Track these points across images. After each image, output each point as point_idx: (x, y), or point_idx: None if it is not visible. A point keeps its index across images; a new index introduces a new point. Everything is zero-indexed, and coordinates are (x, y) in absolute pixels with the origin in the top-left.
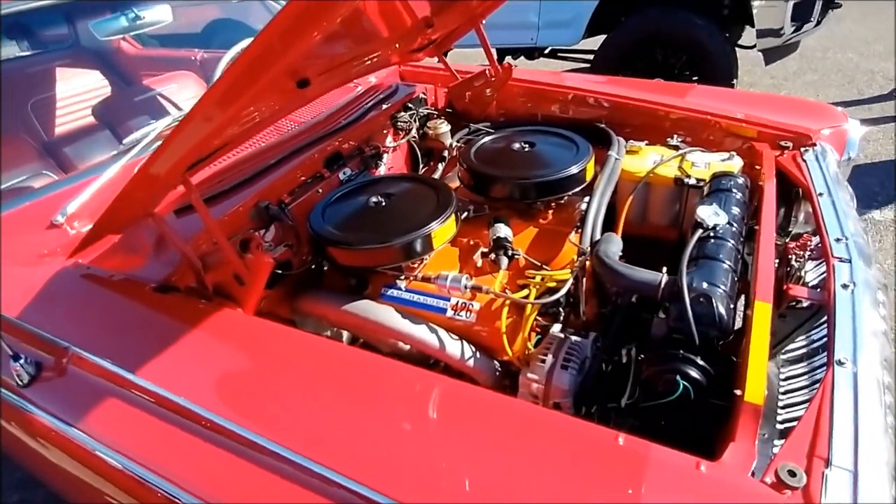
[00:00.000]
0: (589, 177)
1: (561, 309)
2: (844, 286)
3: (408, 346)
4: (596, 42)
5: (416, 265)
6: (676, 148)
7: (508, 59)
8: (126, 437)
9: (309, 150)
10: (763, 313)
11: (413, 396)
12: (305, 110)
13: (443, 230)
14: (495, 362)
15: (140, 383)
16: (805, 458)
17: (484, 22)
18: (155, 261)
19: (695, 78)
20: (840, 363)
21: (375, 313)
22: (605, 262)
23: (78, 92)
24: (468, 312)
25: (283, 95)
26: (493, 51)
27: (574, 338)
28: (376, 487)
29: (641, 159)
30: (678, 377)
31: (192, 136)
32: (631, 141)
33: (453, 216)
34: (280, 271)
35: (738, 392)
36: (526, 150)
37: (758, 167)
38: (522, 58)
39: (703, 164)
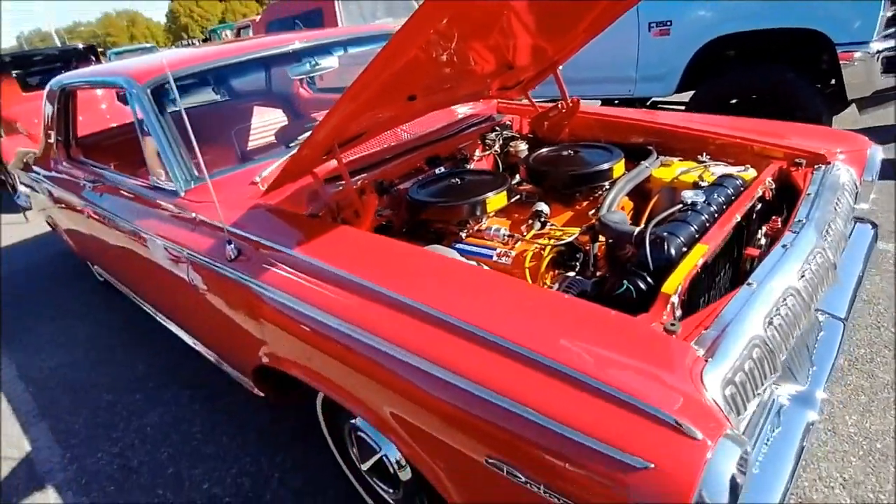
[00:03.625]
0: (616, 174)
1: (578, 264)
2: (784, 246)
3: None
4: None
5: (475, 225)
6: (703, 162)
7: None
8: (289, 290)
9: (416, 152)
10: (698, 250)
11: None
12: (419, 124)
13: (495, 200)
14: None
15: (298, 256)
16: (692, 325)
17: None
18: (308, 202)
19: None
20: (749, 284)
21: (445, 254)
22: (601, 220)
23: (269, 123)
24: (506, 258)
25: (397, 105)
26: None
27: (574, 275)
28: (468, 320)
29: (672, 170)
30: (625, 280)
31: (335, 118)
32: (668, 157)
33: (504, 192)
34: (385, 223)
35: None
36: (571, 155)
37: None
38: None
39: (720, 173)
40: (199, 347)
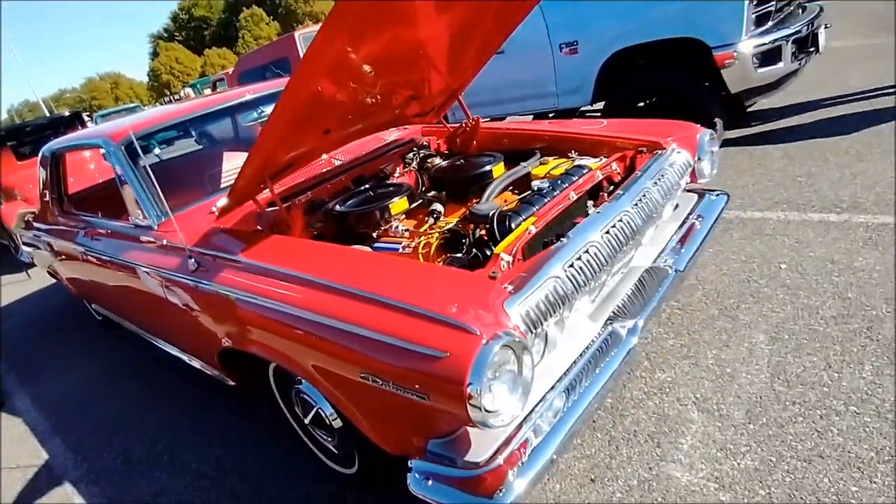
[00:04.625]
0: (496, 175)
1: (464, 246)
2: (598, 212)
3: None
4: None
5: (386, 226)
6: (572, 157)
7: (510, 117)
8: (235, 286)
9: (345, 174)
10: (528, 222)
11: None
12: (350, 150)
13: (396, 204)
14: None
15: (240, 260)
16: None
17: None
18: (255, 223)
19: None
20: (563, 238)
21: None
22: (469, 210)
23: (235, 164)
24: (408, 248)
25: (314, 138)
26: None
27: (456, 255)
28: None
29: (547, 167)
30: (474, 249)
31: (259, 153)
32: (546, 157)
33: (405, 198)
34: (317, 234)
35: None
36: (461, 163)
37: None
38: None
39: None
40: (178, 353)
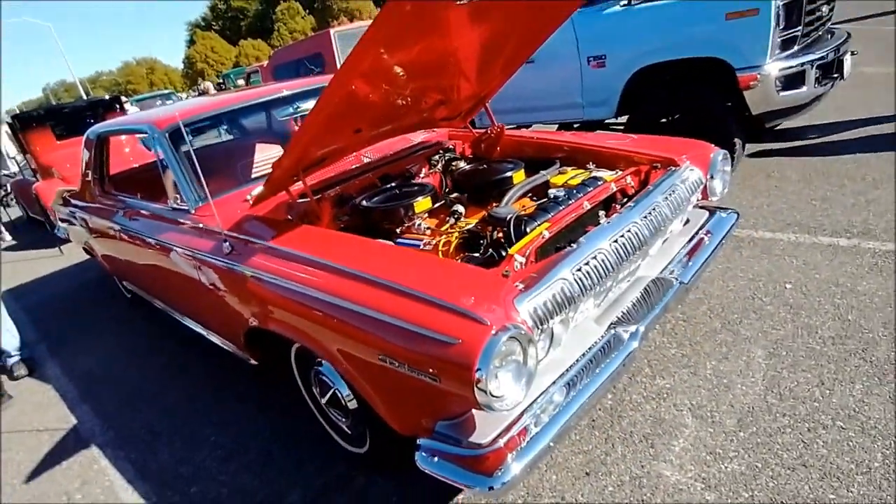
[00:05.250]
0: (516, 181)
1: (483, 246)
2: (609, 222)
3: None
4: None
5: (409, 223)
6: (590, 169)
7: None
8: (265, 269)
9: (373, 171)
10: (541, 227)
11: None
12: (379, 149)
13: (420, 203)
14: None
15: (272, 246)
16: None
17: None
18: (286, 212)
19: None
20: (574, 245)
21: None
22: (488, 213)
23: (268, 155)
24: (429, 245)
25: (345, 136)
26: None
27: (474, 254)
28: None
29: (565, 176)
30: (491, 249)
31: (296, 147)
32: (565, 167)
33: (429, 198)
34: (344, 227)
35: (510, 251)
36: (484, 168)
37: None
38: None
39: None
40: (203, 332)
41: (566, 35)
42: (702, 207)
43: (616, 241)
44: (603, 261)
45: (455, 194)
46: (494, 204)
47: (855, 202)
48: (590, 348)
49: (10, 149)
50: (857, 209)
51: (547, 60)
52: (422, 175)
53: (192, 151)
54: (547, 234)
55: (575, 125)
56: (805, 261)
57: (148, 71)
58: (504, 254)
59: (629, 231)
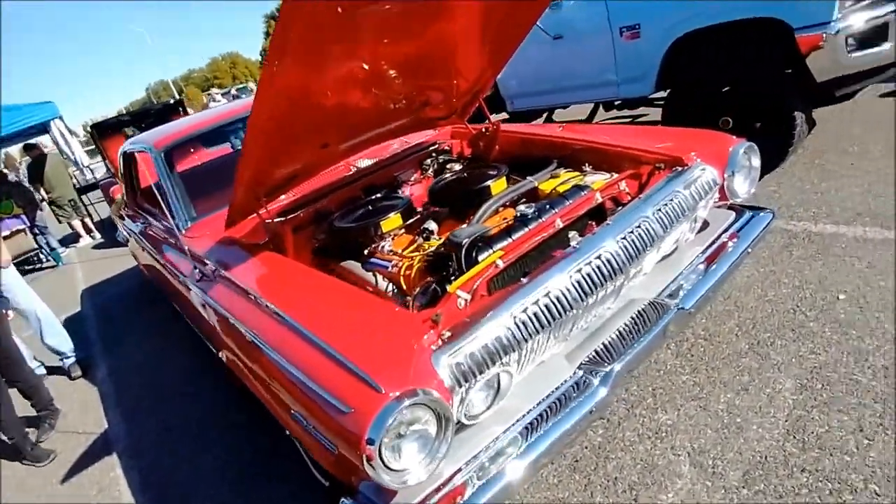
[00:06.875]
0: (496, 191)
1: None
2: (569, 252)
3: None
4: None
5: (380, 242)
6: (585, 171)
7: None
8: (230, 302)
9: (358, 182)
10: (493, 256)
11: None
12: (372, 153)
13: (388, 221)
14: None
15: (232, 279)
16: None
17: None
18: (263, 233)
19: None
20: (523, 279)
21: (353, 268)
22: (448, 236)
23: None
24: (396, 267)
25: (310, 152)
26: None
27: (431, 280)
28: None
29: (555, 181)
30: (433, 284)
31: (245, 171)
32: (559, 170)
33: (399, 215)
34: (318, 246)
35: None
36: (462, 179)
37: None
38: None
39: (589, 181)
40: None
41: (595, 5)
42: (728, 207)
43: (580, 271)
44: (558, 298)
45: (435, 208)
46: (471, 218)
47: None
48: (550, 394)
49: (84, 158)
50: None
51: (575, 35)
52: (412, 180)
53: (175, 174)
54: (501, 264)
55: (615, 103)
56: (870, 263)
57: (230, 65)
58: (448, 288)
59: (599, 258)
